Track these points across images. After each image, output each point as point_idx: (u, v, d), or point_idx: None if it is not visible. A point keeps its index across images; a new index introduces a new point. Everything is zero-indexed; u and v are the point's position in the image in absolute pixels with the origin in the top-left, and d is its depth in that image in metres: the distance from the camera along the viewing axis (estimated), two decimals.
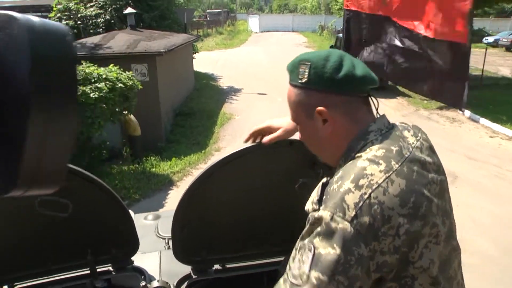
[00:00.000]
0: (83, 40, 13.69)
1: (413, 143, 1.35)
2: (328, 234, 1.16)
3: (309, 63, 1.34)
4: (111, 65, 9.43)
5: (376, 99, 1.42)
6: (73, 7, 17.36)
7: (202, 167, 9.31)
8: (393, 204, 1.17)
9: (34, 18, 0.76)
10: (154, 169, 10.31)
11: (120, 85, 8.88)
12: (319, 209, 1.21)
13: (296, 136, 1.63)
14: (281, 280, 1.26)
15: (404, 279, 1.23)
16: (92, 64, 9.16)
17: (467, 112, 14.19)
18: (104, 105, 8.30)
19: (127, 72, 9.60)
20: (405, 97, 16.60)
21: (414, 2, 3.54)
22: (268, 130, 1.81)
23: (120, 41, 13.07)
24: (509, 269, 6.03)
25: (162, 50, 12.18)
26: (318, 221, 1.19)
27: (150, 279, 2.25)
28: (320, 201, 1.24)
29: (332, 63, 1.31)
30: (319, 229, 1.18)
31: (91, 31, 16.86)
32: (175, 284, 2.21)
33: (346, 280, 1.13)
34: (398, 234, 1.16)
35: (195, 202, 2.05)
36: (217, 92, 19.80)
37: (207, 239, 2.21)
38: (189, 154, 11.37)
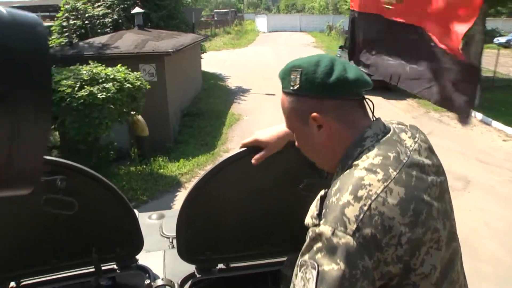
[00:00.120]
0: (91, 40, 13.67)
1: (410, 145, 1.33)
2: (331, 250, 1.13)
3: (300, 70, 1.32)
4: (119, 65, 9.37)
5: (371, 101, 1.39)
6: (80, 7, 17.35)
7: None
8: (394, 214, 1.15)
9: (1, 8, 0.72)
10: (162, 170, 10.24)
11: (128, 85, 8.82)
12: (319, 224, 1.18)
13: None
14: None
15: (405, 287, 1.20)
16: (99, 64, 9.11)
17: (479, 115, 13.96)
18: (112, 106, 8.24)
19: (135, 72, 9.52)
20: (415, 99, 16.40)
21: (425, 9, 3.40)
22: (256, 144, 1.81)
23: (128, 41, 13.01)
24: None
25: (170, 50, 12.08)
26: (319, 236, 1.16)
27: (154, 277, 2.25)
28: (319, 215, 1.21)
29: (323, 68, 1.30)
30: (320, 244, 1.16)
31: (99, 30, 16.84)
32: (179, 283, 2.21)
33: None
34: (400, 243, 1.15)
35: (200, 201, 2.05)
36: (225, 92, 19.72)
37: (211, 239, 2.22)
38: (197, 155, 11.28)
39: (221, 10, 62.05)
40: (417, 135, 1.41)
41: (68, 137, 8.45)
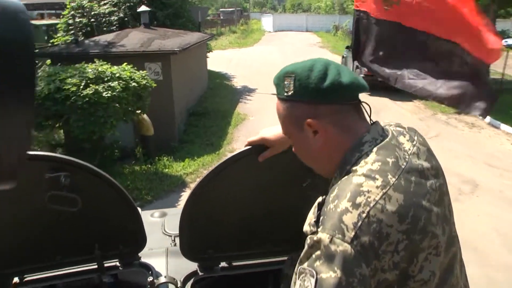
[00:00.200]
0: (96, 38, 13.59)
1: (409, 149, 1.33)
2: (329, 257, 1.13)
3: (293, 75, 1.32)
4: (125, 63, 9.28)
5: (368, 104, 1.39)
6: (86, 5, 17.27)
7: None
8: (392, 221, 1.15)
9: None
10: (167, 169, 10.17)
11: (133, 84, 8.74)
12: (317, 232, 1.18)
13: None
14: None
15: None
16: (105, 63, 9.03)
17: (487, 118, 13.81)
18: (117, 105, 8.17)
19: (140, 71, 9.43)
20: (422, 100, 16.21)
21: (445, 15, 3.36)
22: (262, 143, 1.81)
23: (134, 39, 12.93)
24: None
25: (176, 49, 11.99)
26: (317, 244, 1.16)
27: (157, 275, 2.26)
28: (317, 222, 1.21)
29: (317, 73, 1.30)
30: (318, 252, 1.16)
31: (104, 28, 16.78)
32: (181, 280, 2.22)
33: None
34: (397, 250, 1.15)
35: (203, 200, 2.06)
36: (231, 91, 19.64)
37: (214, 237, 2.23)
38: (202, 155, 11.20)
39: (227, 9, 62.07)
40: (416, 138, 1.40)
41: (72, 136, 8.38)
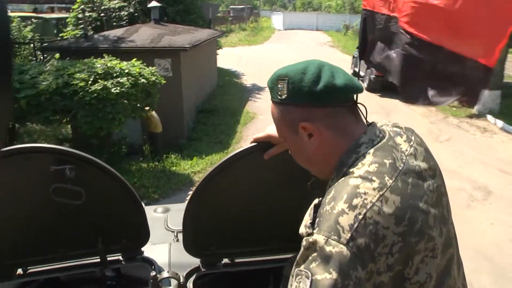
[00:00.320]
0: (106, 33, 13.51)
1: (406, 150, 1.33)
2: (324, 259, 1.12)
3: (286, 78, 1.31)
4: (134, 59, 9.15)
5: (364, 106, 1.40)
6: None
7: None
8: (389, 223, 1.15)
9: None
10: (174, 167, 10.06)
11: (142, 80, 8.61)
12: (312, 233, 1.18)
13: None
14: None
15: None
16: (114, 58, 8.90)
17: (500, 122, 13.53)
18: (126, 101, 8.04)
19: (150, 67, 9.30)
20: None
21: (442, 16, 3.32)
22: (268, 140, 1.79)
23: (144, 35, 12.81)
24: None
25: (186, 46, 11.85)
26: (313, 245, 1.16)
27: (159, 270, 2.26)
28: (313, 224, 1.21)
29: (310, 76, 1.29)
30: (314, 254, 1.15)
31: (114, 23, 16.73)
32: (184, 275, 2.21)
33: None
34: (391, 252, 1.15)
35: (207, 196, 2.07)
36: (240, 89, 19.51)
37: (217, 233, 2.23)
38: (210, 153, 11.07)
39: (237, 7, 61.89)
40: (413, 138, 1.40)
41: (80, 131, 8.27)
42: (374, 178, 1.20)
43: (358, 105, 1.37)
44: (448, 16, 3.07)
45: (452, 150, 11.12)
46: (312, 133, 1.32)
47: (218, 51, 21.40)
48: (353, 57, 21.61)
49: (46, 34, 19.08)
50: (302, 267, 1.17)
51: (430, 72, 3.44)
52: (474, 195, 8.44)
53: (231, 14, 55.02)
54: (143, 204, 2.34)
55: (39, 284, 2.45)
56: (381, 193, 1.17)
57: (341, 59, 25.19)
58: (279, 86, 1.34)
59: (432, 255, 1.23)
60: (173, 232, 2.72)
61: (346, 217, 1.14)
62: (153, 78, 8.97)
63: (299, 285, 1.15)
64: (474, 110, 14.89)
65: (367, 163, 1.24)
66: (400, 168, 1.25)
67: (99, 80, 7.97)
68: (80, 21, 16.02)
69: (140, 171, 9.55)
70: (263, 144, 1.79)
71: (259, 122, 13.87)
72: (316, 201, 1.29)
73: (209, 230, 2.20)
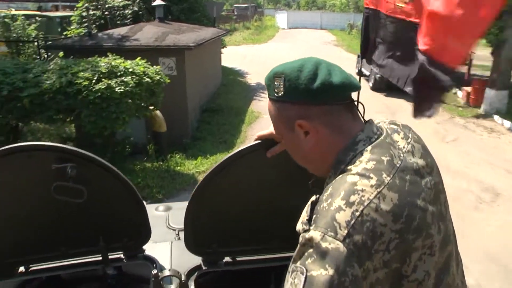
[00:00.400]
0: (110, 31, 13.46)
1: (404, 147, 1.33)
2: (320, 255, 1.11)
3: (283, 76, 1.31)
4: (138, 58, 9.07)
5: (362, 104, 1.41)
6: None
7: None
8: (386, 221, 1.14)
9: None
10: (179, 167, 10.01)
11: (147, 79, 8.52)
12: (309, 230, 1.17)
13: None
14: None
15: None
16: (118, 57, 8.82)
17: (507, 123, 13.40)
18: (130, 100, 7.96)
19: (154, 66, 9.21)
20: (439, 103, 15.97)
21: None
22: (272, 137, 1.72)
23: (148, 33, 12.76)
24: None
25: (191, 44, 11.79)
26: (309, 241, 1.15)
27: (161, 268, 2.27)
28: (310, 221, 1.20)
29: (307, 73, 1.28)
30: (310, 250, 1.14)
31: (118, 22, 16.76)
32: (185, 274, 2.22)
33: None
34: (388, 249, 1.14)
35: (208, 194, 2.05)
36: (244, 88, 19.42)
37: (218, 232, 2.23)
38: (215, 153, 11.02)
39: (241, 5, 61.75)
40: (410, 135, 1.40)
41: (84, 130, 8.19)
42: (371, 175, 1.20)
43: (357, 103, 1.37)
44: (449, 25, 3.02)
45: (458, 151, 11.02)
46: (309, 130, 1.32)
47: (223, 50, 21.36)
48: (358, 56, 21.52)
49: (50, 33, 19.03)
50: (298, 263, 1.16)
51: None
52: (482, 196, 8.35)
53: (235, 13, 54.88)
54: (145, 203, 2.33)
55: (41, 282, 2.48)
56: (378, 190, 1.17)
57: (345, 58, 25.11)
58: (275, 83, 1.33)
59: (430, 253, 1.22)
60: (175, 230, 2.74)
61: (343, 214, 1.13)
62: (158, 77, 8.89)
63: (294, 281, 1.14)
64: (481, 110, 14.78)
65: (365, 161, 1.24)
66: (398, 165, 1.25)
67: (103, 79, 7.89)
68: (84, 20, 16.04)
69: (144, 170, 9.49)
70: (266, 142, 1.75)
71: (264, 121, 13.73)
72: (313, 198, 1.29)
73: (211, 228, 2.20)
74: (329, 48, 33.30)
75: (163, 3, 15.17)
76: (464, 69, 17.00)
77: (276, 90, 1.33)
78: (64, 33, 17.01)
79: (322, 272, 1.09)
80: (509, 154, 11.20)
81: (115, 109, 7.76)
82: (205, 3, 20.48)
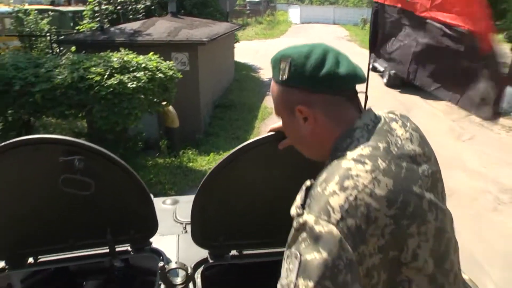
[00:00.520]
0: (122, 26, 13.40)
1: (402, 134, 1.34)
2: (314, 239, 1.12)
3: (289, 59, 1.31)
4: (151, 53, 8.96)
5: (366, 95, 1.33)
6: None
7: None
8: (380, 206, 1.14)
9: None
10: (191, 163, 9.94)
11: (160, 75, 8.40)
12: (303, 214, 1.17)
13: None
14: None
15: (401, 283, 1.20)
16: (131, 52, 8.72)
17: None
18: (142, 96, 7.85)
19: (167, 61, 9.10)
20: None
21: None
22: (283, 130, 1.70)
23: (161, 28, 12.66)
24: None
25: (204, 39, 11.68)
26: (303, 226, 1.16)
27: (167, 261, 2.28)
28: (304, 205, 1.20)
29: (314, 61, 1.29)
30: (304, 234, 1.14)
31: (131, 16, 16.73)
32: (192, 267, 2.21)
33: (335, 286, 1.08)
34: (383, 234, 1.14)
35: (216, 188, 2.07)
36: (257, 84, 19.27)
37: (225, 225, 2.24)
38: (227, 149, 10.84)
39: (254, 0, 61.63)
40: (408, 124, 1.40)
41: (95, 126, 8.10)
42: (367, 161, 1.20)
43: (365, 98, 1.38)
44: None
45: (475, 150, 10.81)
46: (307, 117, 1.33)
47: (235, 45, 21.24)
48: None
49: (62, 27, 19.07)
50: (292, 248, 1.17)
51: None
52: (501, 198, 8.15)
53: (248, 8, 54.72)
54: (152, 196, 2.36)
55: (49, 273, 2.52)
56: (373, 175, 1.17)
57: (359, 53, 24.87)
58: (281, 66, 1.33)
59: (426, 239, 1.22)
60: (182, 223, 2.78)
61: (336, 198, 1.14)
62: (171, 73, 8.77)
63: (289, 266, 1.15)
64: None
65: (361, 147, 1.24)
66: (394, 152, 1.26)
67: (115, 74, 7.78)
68: (96, 14, 16.04)
69: (156, 167, 9.41)
70: (278, 134, 1.75)
71: (277, 117, 13.55)
72: (308, 182, 1.28)
73: (218, 221, 2.22)
74: (342, 43, 33.04)
75: None
76: None
77: (281, 73, 1.34)
78: (77, 27, 17.01)
79: (316, 256, 1.10)
80: None
81: (127, 105, 7.65)
82: None
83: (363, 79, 1.33)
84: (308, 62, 1.29)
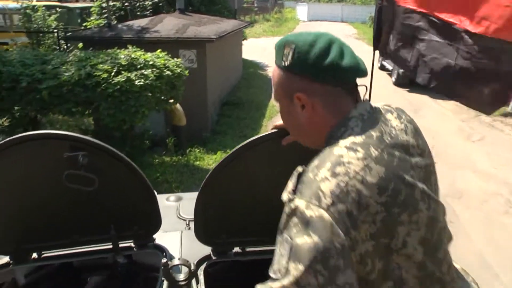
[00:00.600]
0: (130, 23, 13.33)
1: (396, 125, 1.35)
2: (304, 223, 1.13)
3: (294, 46, 1.30)
4: (159, 50, 8.88)
5: (366, 87, 1.44)
6: None
7: None
8: (371, 193, 1.15)
9: None
10: (198, 162, 9.87)
11: (167, 72, 8.31)
12: (294, 199, 1.18)
13: None
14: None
15: (393, 272, 1.22)
16: (138, 49, 8.64)
17: None
18: (150, 94, 7.77)
19: (175, 58, 9.02)
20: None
21: None
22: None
23: (168, 25, 12.61)
24: None
25: (213, 36, 11.63)
26: (294, 211, 1.17)
27: (170, 257, 2.30)
28: (295, 191, 1.22)
29: (318, 50, 1.28)
30: (295, 219, 1.15)
31: (138, 13, 16.71)
32: (195, 263, 2.22)
33: (326, 270, 1.09)
34: (374, 221, 1.14)
35: (219, 185, 2.09)
36: (265, 82, 19.11)
37: (228, 222, 2.25)
38: (235, 147, 10.77)
39: None
40: (403, 116, 1.42)
41: (102, 124, 8.05)
42: (359, 148, 1.21)
43: (369, 92, 1.36)
44: None
45: (485, 151, 10.67)
46: (305, 105, 1.33)
47: (243, 42, 21.15)
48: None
49: (70, 24, 19.07)
50: (284, 234, 1.18)
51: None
52: None
53: (256, 5, 54.67)
54: (155, 192, 2.36)
55: (53, 268, 2.53)
56: (365, 163, 1.18)
57: (367, 51, 24.56)
58: (285, 51, 1.33)
59: (417, 228, 1.23)
60: (185, 220, 2.79)
61: (328, 184, 1.15)
62: (178, 70, 8.69)
63: (280, 251, 1.17)
64: (509, 108, 14.35)
65: (354, 135, 1.25)
66: (387, 141, 1.26)
67: (123, 72, 7.71)
68: (104, 11, 16.01)
69: (162, 165, 9.35)
70: (282, 131, 1.73)
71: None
72: (299, 168, 1.31)
73: (221, 218, 2.24)
74: (350, 41, 32.88)
75: None
76: None
77: (284, 59, 1.33)
78: (84, 24, 16.99)
79: (307, 240, 1.11)
80: None
81: (134, 103, 7.58)
82: None
83: (365, 73, 1.33)
84: (312, 50, 1.29)
